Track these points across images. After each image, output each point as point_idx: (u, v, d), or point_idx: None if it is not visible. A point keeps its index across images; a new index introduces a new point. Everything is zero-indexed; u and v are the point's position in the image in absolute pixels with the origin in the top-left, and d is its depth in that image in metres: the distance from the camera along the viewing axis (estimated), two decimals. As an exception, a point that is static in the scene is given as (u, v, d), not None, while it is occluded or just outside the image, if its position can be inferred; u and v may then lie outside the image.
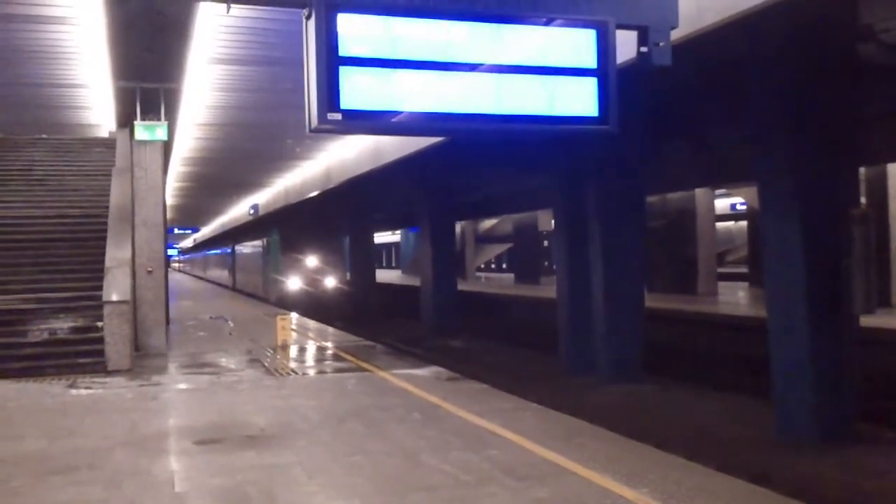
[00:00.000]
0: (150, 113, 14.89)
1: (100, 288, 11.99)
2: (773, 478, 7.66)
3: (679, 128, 14.50)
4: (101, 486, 5.72)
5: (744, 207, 31.68)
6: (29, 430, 7.67)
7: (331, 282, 31.48)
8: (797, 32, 9.18)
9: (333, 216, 32.74)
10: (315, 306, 28.55)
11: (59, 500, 5.44)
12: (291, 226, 32.02)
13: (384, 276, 44.03)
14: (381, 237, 57.40)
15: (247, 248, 40.19)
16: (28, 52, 12.75)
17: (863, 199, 15.71)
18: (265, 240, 33.50)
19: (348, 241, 37.98)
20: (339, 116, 4.90)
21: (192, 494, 5.51)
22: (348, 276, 34.73)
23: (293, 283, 30.76)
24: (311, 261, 31.33)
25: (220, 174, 27.31)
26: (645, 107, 12.28)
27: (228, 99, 15.89)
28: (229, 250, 47.82)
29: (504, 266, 53.49)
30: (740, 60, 10.17)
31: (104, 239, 13.17)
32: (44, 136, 17.92)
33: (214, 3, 5.71)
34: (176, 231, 56.03)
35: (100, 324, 11.76)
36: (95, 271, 12.70)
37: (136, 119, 14.72)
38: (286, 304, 28.62)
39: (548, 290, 26.03)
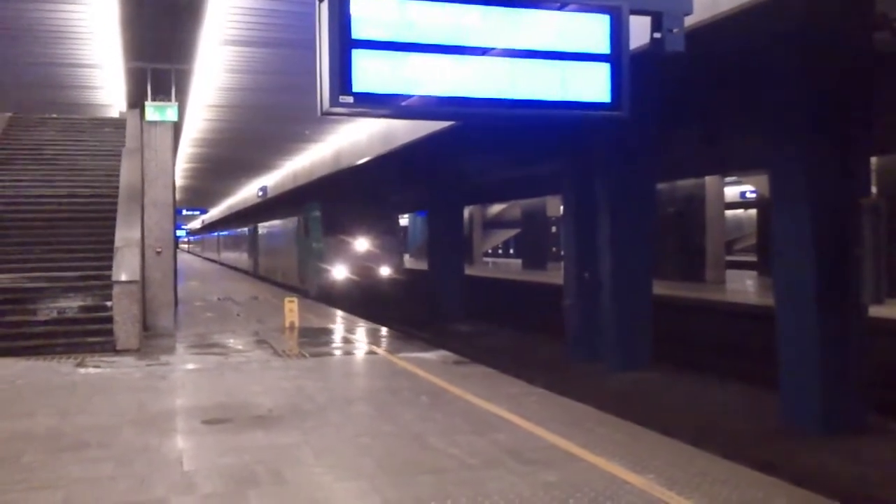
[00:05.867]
0: (161, 94, 14.94)
1: (109, 268, 12.04)
2: (778, 466, 7.67)
3: (691, 115, 14.43)
4: (111, 464, 5.77)
5: (754, 195, 31.56)
6: (39, 408, 7.73)
7: (387, 270, 24.48)
8: (812, 20, 9.11)
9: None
10: (373, 303, 22.57)
11: (70, 476, 5.49)
12: (337, 199, 25.54)
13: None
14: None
15: (275, 227, 32.69)
16: (39, 31, 12.78)
17: (874, 189, 15.63)
18: (301, 217, 26.94)
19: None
20: (350, 99, 4.88)
21: (200, 473, 5.55)
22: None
23: (340, 272, 23.89)
24: (364, 244, 24.37)
25: (229, 156, 27.34)
26: (657, 93, 12.22)
27: (239, 81, 15.89)
28: (249, 230, 40.27)
29: (511, 251, 53.48)
30: (754, 48, 10.10)
31: (114, 219, 13.21)
32: (54, 115, 17.97)
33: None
34: (185, 212, 56.08)
35: (109, 303, 11.81)
36: (105, 251, 12.75)
37: (146, 100, 14.76)
38: (331, 298, 22.63)
39: (555, 275, 26.04)
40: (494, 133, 16.45)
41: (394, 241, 25.42)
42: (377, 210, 25.43)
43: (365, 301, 22.40)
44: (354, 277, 23.75)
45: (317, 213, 25.07)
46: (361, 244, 24.36)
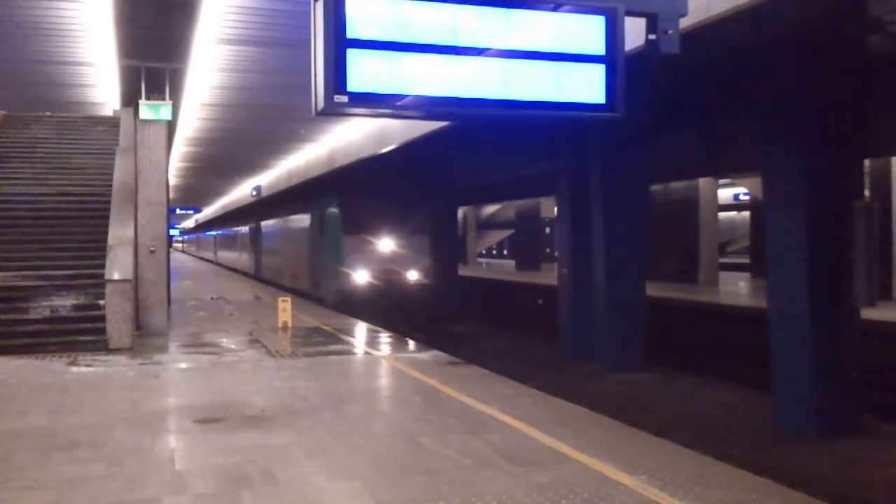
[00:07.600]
0: (155, 92, 14.91)
1: (102, 266, 11.99)
2: (771, 468, 7.68)
3: (685, 117, 14.46)
4: (102, 464, 5.74)
5: (747, 198, 31.64)
6: (31, 407, 7.70)
7: (416, 274, 21.00)
8: (805, 23, 9.14)
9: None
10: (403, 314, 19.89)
11: (61, 476, 5.46)
12: (360, 192, 21.98)
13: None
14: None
15: (283, 225, 29.16)
16: (33, 28, 12.72)
17: (867, 192, 15.68)
18: (316, 213, 23.68)
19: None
20: (345, 99, 4.88)
21: (192, 473, 5.53)
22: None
23: (362, 276, 20.46)
24: (390, 244, 20.89)
25: (223, 155, 27.29)
26: (652, 95, 12.23)
27: (233, 80, 15.85)
28: (251, 228, 36.55)
29: (505, 252, 53.52)
30: (748, 51, 10.12)
31: (107, 217, 13.16)
32: (48, 113, 17.89)
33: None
34: (178, 211, 55.94)
35: (101, 302, 11.78)
36: (98, 249, 12.70)
37: (140, 98, 14.72)
38: (353, 307, 19.36)
39: (548, 276, 26.03)
40: (489, 134, 16.45)
41: (425, 241, 21.94)
42: (407, 205, 21.96)
43: (389, 310, 19.67)
44: (379, 283, 20.51)
45: (335, 209, 21.74)
46: (388, 244, 20.95)
